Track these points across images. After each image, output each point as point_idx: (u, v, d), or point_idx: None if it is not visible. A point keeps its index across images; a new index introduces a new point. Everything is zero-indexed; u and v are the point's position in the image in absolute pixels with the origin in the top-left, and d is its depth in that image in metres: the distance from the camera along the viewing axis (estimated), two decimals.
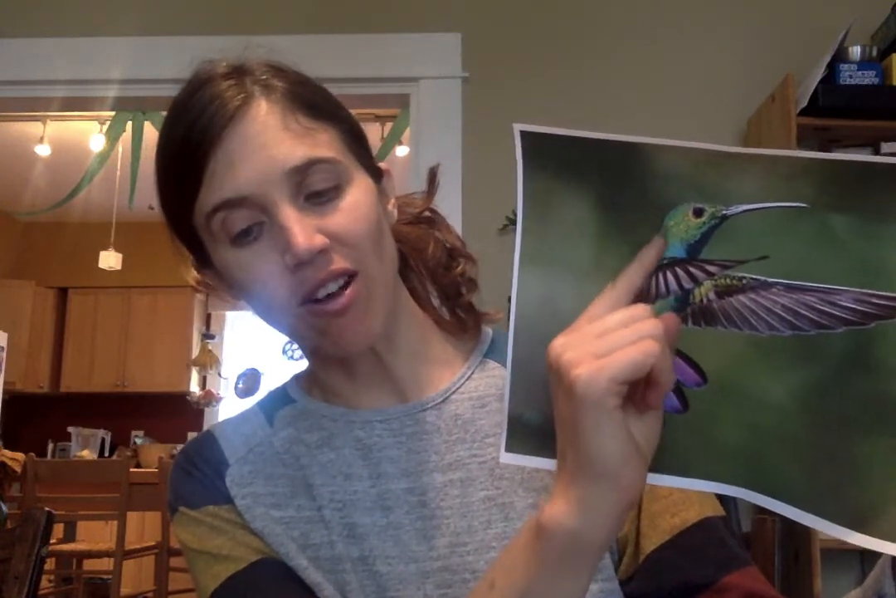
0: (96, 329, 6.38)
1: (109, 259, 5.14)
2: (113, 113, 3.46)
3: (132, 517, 4.33)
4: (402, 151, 4.03)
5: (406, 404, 0.76)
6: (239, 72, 0.70)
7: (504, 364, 0.75)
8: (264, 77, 0.70)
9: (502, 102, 2.39)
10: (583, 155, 0.52)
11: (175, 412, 6.21)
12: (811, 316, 0.51)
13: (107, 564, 4.21)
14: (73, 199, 3.91)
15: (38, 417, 6.19)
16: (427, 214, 0.83)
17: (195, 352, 6.28)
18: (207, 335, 6.33)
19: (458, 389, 0.77)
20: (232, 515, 0.74)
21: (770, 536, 1.39)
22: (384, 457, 0.74)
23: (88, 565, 4.53)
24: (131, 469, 4.24)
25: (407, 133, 2.69)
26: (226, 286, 0.74)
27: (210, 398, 6.18)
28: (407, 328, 0.77)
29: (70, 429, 5.99)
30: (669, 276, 0.52)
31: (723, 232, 0.51)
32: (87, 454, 5.63)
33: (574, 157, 0.52)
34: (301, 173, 0.66)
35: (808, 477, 0.52)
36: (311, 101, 0.70)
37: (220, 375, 6.41)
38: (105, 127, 4.08)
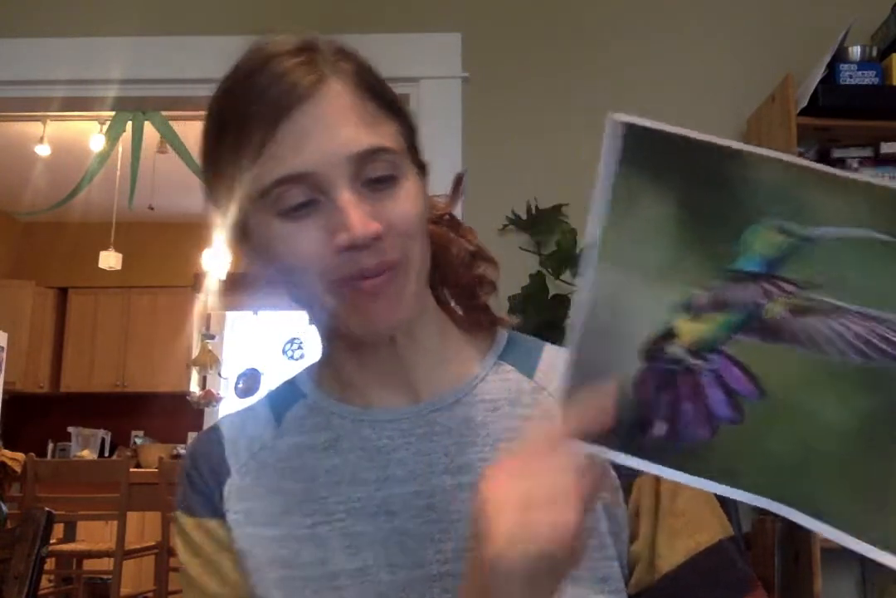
0: (96, 329, 6.38)
1: (109, 259, 5.14)
2: (113, 113, 3.46)
3: (132, 517, 4.32)
4: None
5: (418, 404, 0.76)
6: (309, 49, 0.70)
7: (518, 368, 0.78)
8: (334, 58, 0.70)
9: (502, 102, 2.38)
10: (681, 154, 0.52)
11: (175, 412, 6.20)
12: (883, 346, 0.51)
13: (107, 564, 4.21)
14: (73, 199, 3.91)
15: (38, 417, 6.19)
16: (448, 215, 0.83)
17: (195, 352, 6.27)
18: (207, 335, 6.33)
19: (471, 390, 0.76)
20: (220, 531, 0.75)
21: (770, 536, 1.39)
22: (392, 459, 0.74)
23: (88, 565, 4.53)
24: (131, 469, 4.24)
25: None
26: (260, 259, 0.72)
27: (210, 398, 6.17)
28: (427, 323, 0.77)
29: (70, 429, 5.99)
30: (744, 289, 0.52)
31: (803, 252, 0.51)
32: (87, 454, 5.63)
33: (672, 155, 0.52)
34: (364, 159, 0.67)
35: (855, 501, 0.52)
36: (379, 91, 0.71)
37: (220, 375, 6.41)
38: (105, 127, 4.08)
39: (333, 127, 0.66)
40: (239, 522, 0.74)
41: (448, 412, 0.75)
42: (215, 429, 0.81)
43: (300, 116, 0.66)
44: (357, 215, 0.65)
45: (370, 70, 0.73)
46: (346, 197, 0.66)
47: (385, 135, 0.69)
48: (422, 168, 0.75)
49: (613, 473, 0.67)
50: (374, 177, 0.67)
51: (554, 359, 0.79)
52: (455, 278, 0.81)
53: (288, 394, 0.81)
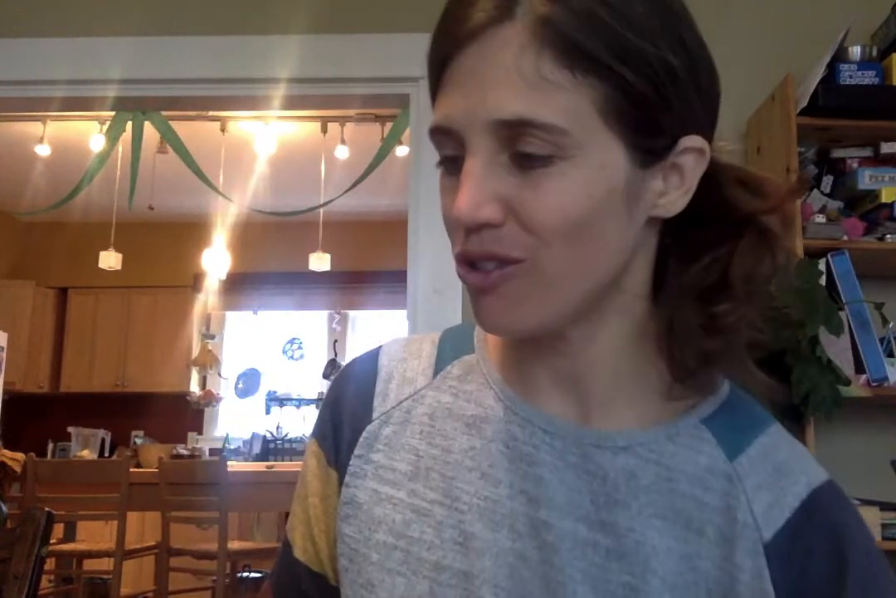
0: (96, 329, 6.37)
1: (109, 259, 5.14)
2: (113, 113, 3.45)
3: (132, 517, 4.32)
4: (402, 151, 4.03)
5: (583, 427, 0.63)
6: None
7: (720, 442, 0.62)
8: None
9: None
10: None
11: (175, 412, 6.21)
12: None
13: (107, 564, 4.21)
14: (73, 199, 3.91)
15: (38, 417, 6.19)
16: (763, 219, 0.61)
17: (195, 352, 6.28)
18: (207, 335, 6.34)
19: (650, 444, 0.62)
20: (329, 482, 0.69)
21: None
22: (531, 474, 0.62)
23: (88, 565, 4.53)
24: (131, 469, 4.24)
25: (407, 133, 2.69)
26: None
27: (210, 398, 6.18)
28: (616, 345, 0.63)
29: (70, 429, 5.98)
30: None
31: None
32: (87, 454, 5.63)
33: None
34: (508, 129, 0.54)
35: None
36: (575, 43, 0.53)
37: (220, 375, 6.41)
38: (105, 127, 4.08)
39: (485, 83, 0.54)
40: (365, 474, 0.67)
41: (612, 456, 0.62)
42: (375, 357, 0.72)
43: (464, 58, 0.55)
44: (469, 193, 0.55)
45: (585, 12, 0.54)
46: (470, 168, 0.55)
47: (550, 105, 0.53)
48: (651, 152, 0.57)
49: None
50: (524, 151, 0.55)
51: (771, 450, 0.63)
52: (687, 301, 0.62)
53: (460, 340, 0.71)
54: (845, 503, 0.62)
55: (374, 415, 0.69)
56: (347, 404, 0.70)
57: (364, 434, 0.68)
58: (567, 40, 0.53)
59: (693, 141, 0.58)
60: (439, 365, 0.70)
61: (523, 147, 0.55)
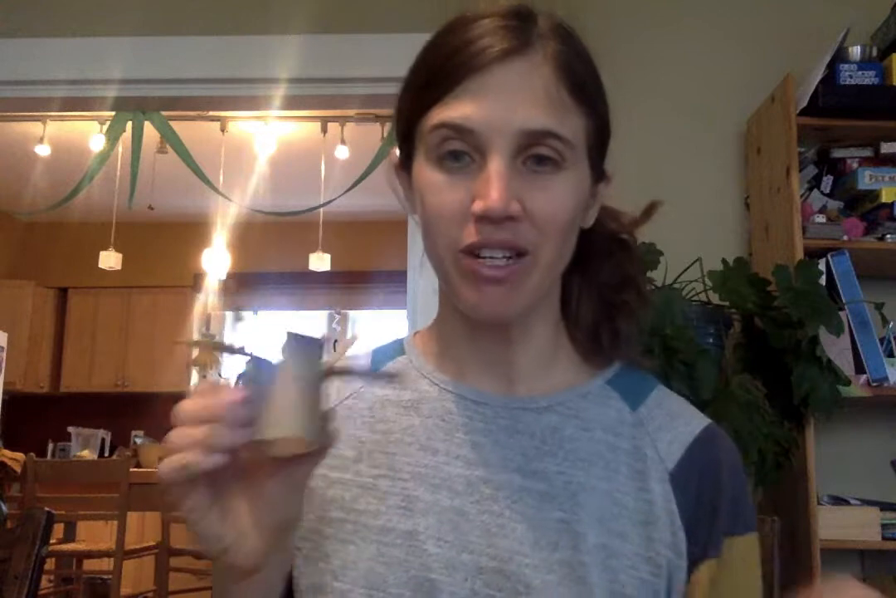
0: (96, 329, 6.37)
1: (109, 259, 5.13)
2: (113, 113, 3.45)
3: (132, 517, 4.32)
4: None
5: (508, 396, 0.75)
6: (525, 18, 0.70)
7: (623, 397, 0.77)
8: (548, 34, 0.69)
9: None
10: None
11: None
12: None
13: (107, 564, 4.21)
14: (73, 199, 3.90)
15: (38, 417, 6.18)
16: (624, 236, 0.81)
17: (195, 352, 6.27)
18: (207, 335, 6.33)
19: (567, 402, 0.75)
20: None
21: (770, 536, 1.39)
22: (468, 440, 0.73)
23: (88, 565, 4.53)
24: (131, 469, 4.24)
25: None
26: (410, 195, 0.74)
27: None
28: (546, 322, 0.76)
29: (70, 429, 5.99)
30: None
31: None
32: (87, 454, 5.63)
33: None
34: (532, 138, 0.66)
35: None
36: (581, 81, 0.70)
37: (220, 375, 6.41)
38: (105, 127, 4.08)
39: (516, 98, 0.66)
40: None
41: (536, 415, 0.74)
42: None
43: (489, 75, 0.66)
44: (501, 189, 0.64)
45: (581, 58, 0.71)
46: (498, 167, 0.65)
47: (566, 125, 0.67)
48: (599, 175, 0.74)
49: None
50: (537, 155, 0.66)
51: (663, 400, 0.78)
52: (599, 294, 0.79)
53: (390, 349, 0.82)
54: (724, 437, 0.78)
55: None
56: None
57: None
58: (576, 77, 0.69)
59: (608, 170, 0.76)
60: (374, 367, 0.81)
61: (538, 154, 0.66)
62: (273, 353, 0.57)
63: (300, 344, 0.57)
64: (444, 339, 0.79)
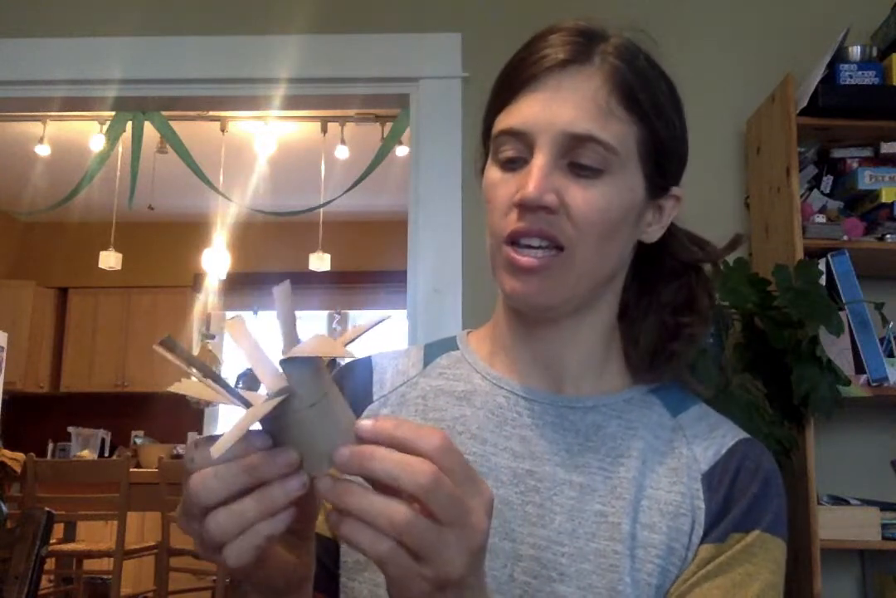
0: (96, 329, 6.37)
1: (109, 259, 5.14)
2: (113, 113, 3.45)
3: (132, 517, 4.33)
4: (402, 151, 4.03)
5: (556, 395, 0.79)
6: (591, 35, 0.76)
7: (665, 404, 0.80)
8: (612, 51, 0.74)
9: None
10: None
11: (175, 412, 6.19)
12: None
13: (107, 564, 4.21)
14: (73, 199, 3.90)
15: (38, 417, 6.19)
16: (702, 264, 0.84)
17: (195, 352, 6.27)
18: (207, 335, 6.33)
19: (612, 404, 0.79)
20: None
21: None
22: (516, 434, 0.77)
23: (88, 565, 4.54)
24: (131, 469, 4.24)
25: (407, 133, 2.69)
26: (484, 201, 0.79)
27: None
28: (592, 331, 0.79)
29: (70, 429, 5.99)
30: None
31: None
32: (87, 454, 5.63)
33: None
34: (575, 141, 0.70)
35: None
36: (634, 94, 0.73)
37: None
38: (105, 127, 4.08)
39: (564, 104, 0.71)
40: None
41: (582, 414, 0.78)
42: (369, 358, 0.86)
43: (542, 83, 0.72)
44: (538, 180, 0.69)
45: (640, 75, 0.74)
46: (540, 162, 0.70)
47: (610, 130, 0.71)
48: (659, 189, 0.76)
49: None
50: (580, 162, 0.71)
51: (704, 415, 0.81)
52: (660, 317, 0.82)
53: (443, 344, 0.87)
54: (762, 450, 0.79)
55: (375, 397, 0.82)
56: (348, 390, 0.81)
57: (365, 412, 0.81)
58: (630, 90, 0.73)
59: (677, 190, 0.79)
60: (428, 359, 0.85)
61: (580, 158, 0.71)
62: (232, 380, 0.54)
63: (302, 367, 0.51)
64: (498, 338, 0.83)
